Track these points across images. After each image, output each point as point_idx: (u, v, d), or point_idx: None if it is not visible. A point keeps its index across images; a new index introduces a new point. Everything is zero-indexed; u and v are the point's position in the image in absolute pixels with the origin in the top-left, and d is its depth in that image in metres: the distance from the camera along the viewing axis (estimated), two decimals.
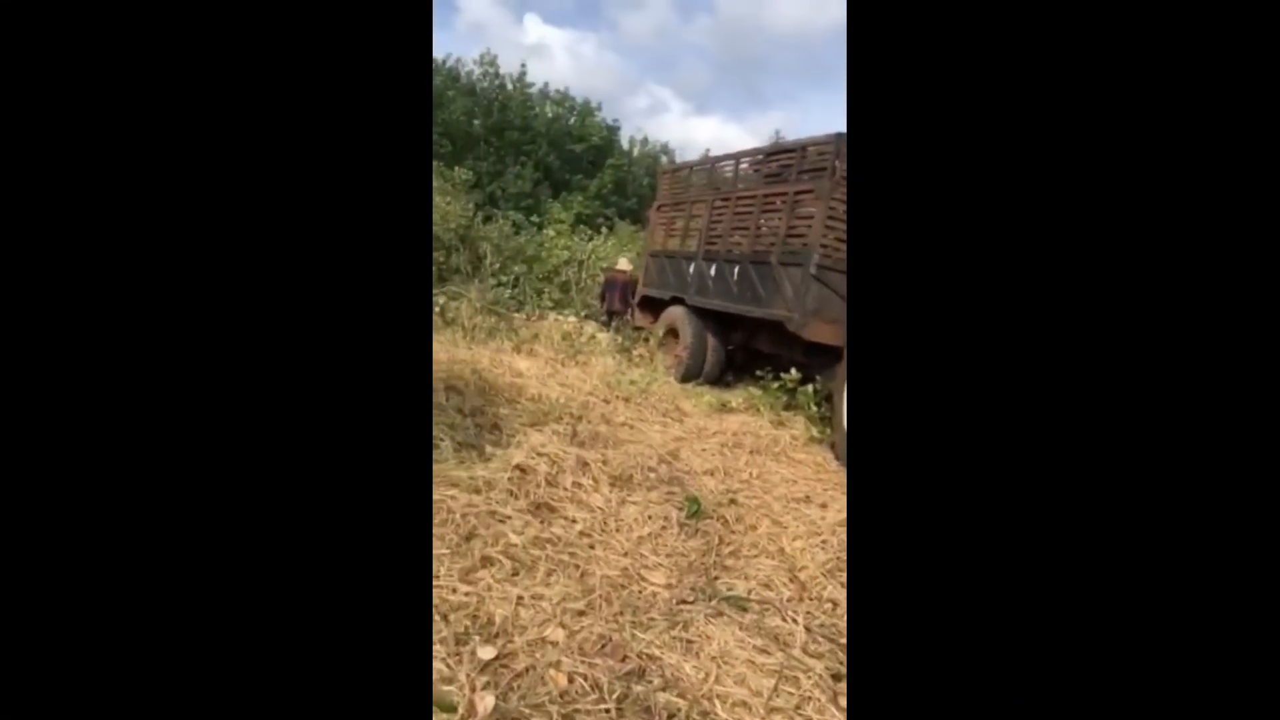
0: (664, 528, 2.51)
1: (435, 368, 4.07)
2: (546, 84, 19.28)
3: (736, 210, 5.52)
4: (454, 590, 1.81)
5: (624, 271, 7.95)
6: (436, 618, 1.68)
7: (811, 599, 2.14)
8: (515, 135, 17.62)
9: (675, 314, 6.15)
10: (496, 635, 1.66)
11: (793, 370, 4.74)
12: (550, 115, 18.60)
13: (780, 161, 5.26)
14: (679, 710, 1.51)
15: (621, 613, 1.87)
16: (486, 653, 1.57)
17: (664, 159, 19.43)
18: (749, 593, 2.13)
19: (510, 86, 18.51)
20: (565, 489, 2.64)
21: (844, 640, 1.83)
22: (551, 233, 12.14)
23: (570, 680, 1.54)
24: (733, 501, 2.89)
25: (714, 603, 2.00)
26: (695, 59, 57.21)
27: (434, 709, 1.36)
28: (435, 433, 2.97)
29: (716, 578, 2.21)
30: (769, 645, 1.81)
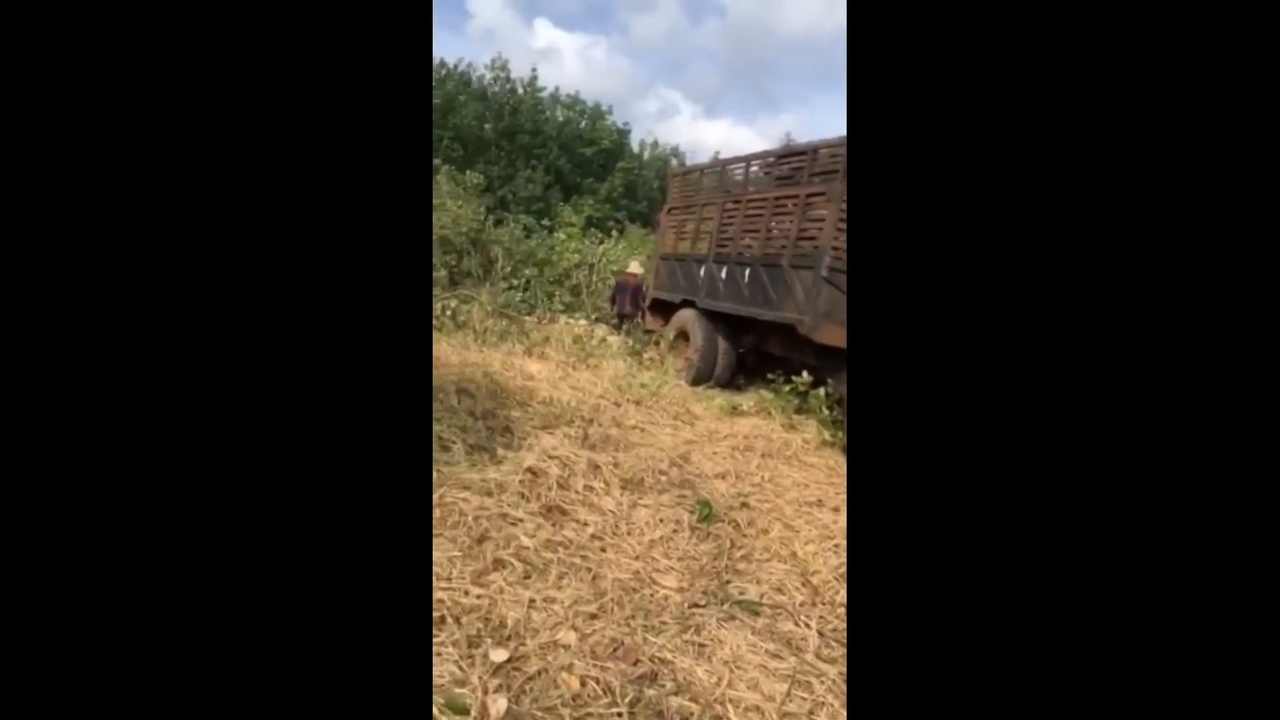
0: (675, 531, 2.50)
1: (448, 370, 4.09)
2: (557, 88, 19.53)
3: (747, 213, 5.51)
4: (466, 593, 1.82)
5: (635, 274, 7.94)
6: (449, 620, 1.68)
7: (824, 604, 2.13)
8: (526, 139, 17.70)
9: (686, 317, 6.14)
10: (508, 638, 1.66)
11: (804, 373, 4.72)
12: (561, 119, 18.68)
13: (791, 164, 5.25)
14: (691, 715, 1.51)
15: (633, 616, 1.87)
16: (499, 655, 1.58)
17: (674, 162, 19.44)
18: (761, 597, 2.12)
19: (521, 91, 18.60)
20: (577, 492, 2.65)
21: None
22: (562, 236, 12.18)
23: (582, 683, 1.54)
24: (744, 505, 2.88)
25: (726, 607, 2.00)
26: (705, 62, 57.36)
27: (447, 711, 1.36)
28: (447, 435, 2.98)
29: (728, 582, 2.20)
30: (782, 650, 1.80)
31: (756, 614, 2.00)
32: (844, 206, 4.36)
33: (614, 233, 12.94)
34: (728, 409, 4.85)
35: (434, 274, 8.57)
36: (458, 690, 1.44)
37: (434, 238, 9.12)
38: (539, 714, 1.43)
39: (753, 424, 4.44)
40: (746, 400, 5.22)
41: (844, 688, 1.66)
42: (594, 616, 1.84)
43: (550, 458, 2.81)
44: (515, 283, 9.56)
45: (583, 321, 8.50)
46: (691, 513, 2.67)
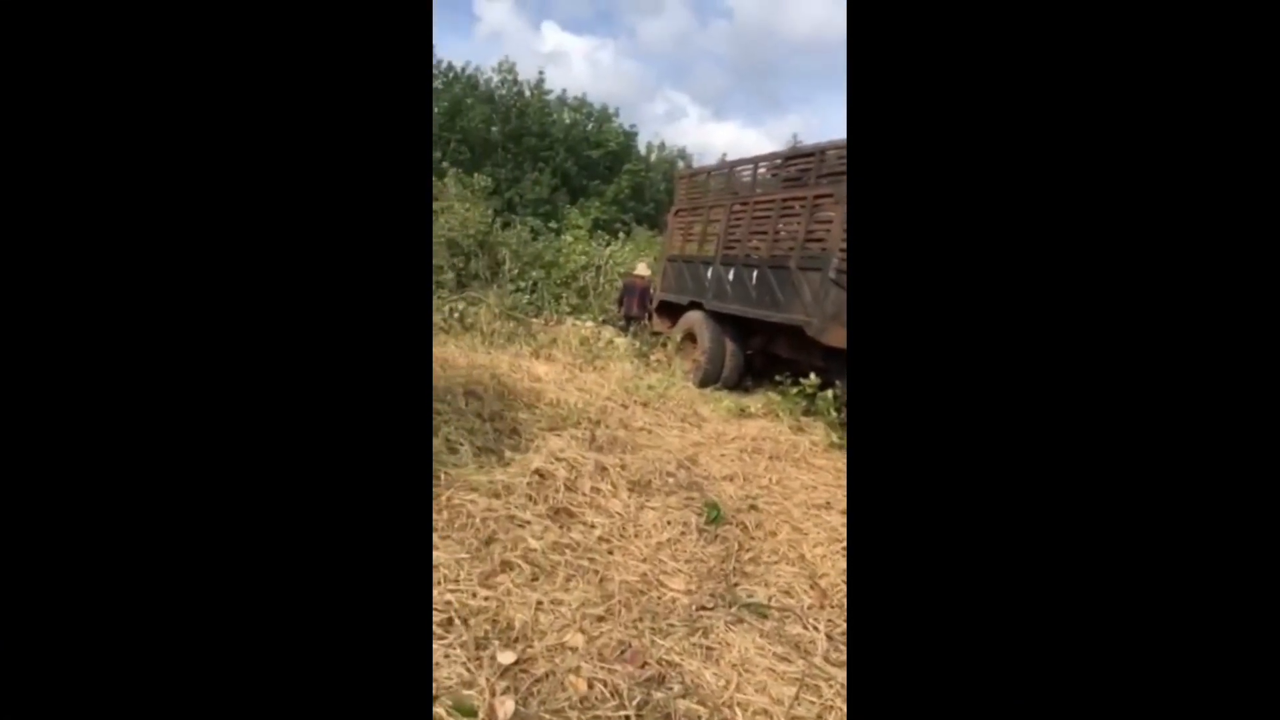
0: (683, 533, 2.50)
1: (455, 372, 4.10)
2: (564, 91, 19.52)
3: (755, 215, 5.51)
4: (474, 595, 1.81)
5: (642, 276, 7.95)
6: (456, 622, 1.68)
7: (833, 606, 2.12)
8: (533, 142, 17.76)
9: (693, 319, 6.14)
10: (516, 640, 1.66)
11: (812, 375, 4.70)
12: (568, 121, 18.74)
13: (798, 165, 5.25)
14: (699, 717, 1.50)
15: (641, 619, 1.86)
16: (506, 657, 1.58)
17: (681, 164, 19.47)
18: (769, 599, 2.11)
19: (528, 93, 18.68)
20: (584, 494, 2.64)
21: None
22: (569, 238, 12.21)
23: (590, 686, 1.54)
24: (752, 507, 2.87)
25: (734, 609, 1.99)
26: (712, 65, 57.40)
27: (455, 713, 1.36)
28: (455, 437, 2.99)
29: (736, 584, 2.19)
30: (790, 653, 1.79)
31: (764, 617, 1.99)
32: None
33: (621, 235, 12.96)
34: (735, 411, 4.84)
35: (442, 276, 8.61)
36: (465, 692, 1.44)
37: (442, 240, 9.17)
38: (546, 716, 1.43)
39: (760, 426, 4.43)
40: (754, 402, 5.20)
41: None
42: (601, 619, 1.84)
43: (558, 460, 2.81)
44: (522, 285, 9.59)
45: (590, 323, 8.51)
46: (699, 515, 2.66)
